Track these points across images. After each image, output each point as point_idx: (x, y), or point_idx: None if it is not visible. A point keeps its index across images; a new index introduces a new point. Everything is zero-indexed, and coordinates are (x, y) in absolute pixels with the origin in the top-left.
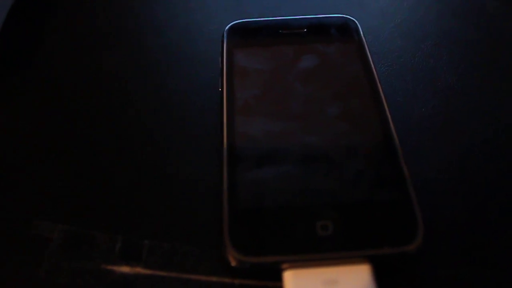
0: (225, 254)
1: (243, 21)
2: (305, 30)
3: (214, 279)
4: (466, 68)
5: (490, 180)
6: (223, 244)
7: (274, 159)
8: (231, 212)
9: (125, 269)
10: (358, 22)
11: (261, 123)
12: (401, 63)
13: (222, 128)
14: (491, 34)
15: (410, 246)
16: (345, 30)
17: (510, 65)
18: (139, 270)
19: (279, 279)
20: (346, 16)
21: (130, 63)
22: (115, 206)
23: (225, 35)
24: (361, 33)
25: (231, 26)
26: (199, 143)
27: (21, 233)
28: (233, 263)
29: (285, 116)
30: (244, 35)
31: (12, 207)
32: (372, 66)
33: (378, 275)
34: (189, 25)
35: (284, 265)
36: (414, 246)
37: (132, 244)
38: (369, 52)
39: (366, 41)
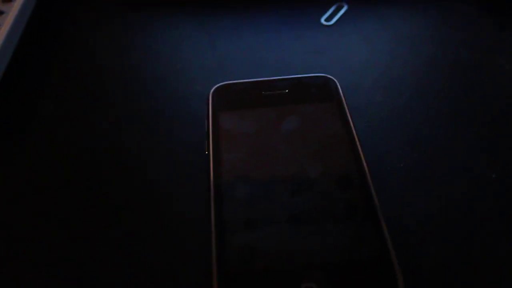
0: None
1: (227, 83)
2: (287, 90)
3: None
4: (443, 120)
5: (469, 230)
6: None
7: (260, 220)
8: (220, 274)
9: None
10: (338, 78)
11: (247, 185)
12: (380, 118)
13: (210, 191)
14: (466, 86)
15: None
16: (325, 89)
17: (485, 114)
18: None
19: None
20: (326, 75)
21: (121, 123)
22: (114, 264)
23: (210, 97)
24: (340, 91)
25: (215, 88)
26: (187, 205)
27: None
28: None
29: (270, 178)
30: (228, 97)
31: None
32: (351, 124)
33: None
34: (176, 86)
35: None
36: None
37: None
38: (348, 110)
39: (345, 99)
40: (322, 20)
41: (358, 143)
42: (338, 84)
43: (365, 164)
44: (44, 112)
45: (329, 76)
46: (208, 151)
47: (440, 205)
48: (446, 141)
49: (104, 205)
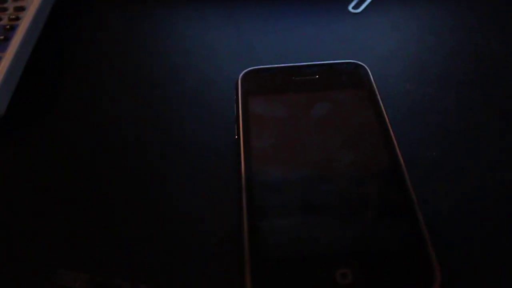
0: None
1: (256, 68)
2: (317, 76)
3: None
4: (473, 110)
5: (505, 221)
6: None
7: (293, 207)
8: (252, 262)
9: None
10: (367, 67)
11: (278, 171)
12: (410, 107)
13: (240, 176)
14: (495, 75)
15: None
16: (356, 75)
17: None
18: None
19: None
20: (356, 61)
21: (147, 111)
22: (136, 255)
23: (239, 82)
24: (372, 78)
25: (244, 73)
26: (217, 191)
27: (43, 283)
28: None
29: (302, 165)
30: (258, 81)
31: (34, 257)
32: (384, 111)
33: None
34: (203, 73)
35: None
36: None
37: None
38: (380, 97)
39: (376, 86)
40: (350, 8)
41: (391, 130)
42: (369, 70)
43: (399, 152)
44: (65, 99)
45: (360, 62)
46: (238, 135)
47: (473, 194)
48: (477, 130)
49: (130, 191)
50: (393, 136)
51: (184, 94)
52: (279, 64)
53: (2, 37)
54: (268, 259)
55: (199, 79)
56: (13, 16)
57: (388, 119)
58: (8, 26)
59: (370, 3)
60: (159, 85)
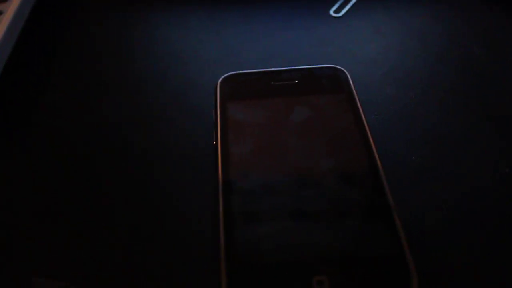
0: None
1: (235, 73)
2: (296, 81)
3: None
4: (455, 115)
5: (484, 227)
6: None
7: (270, 213)
8: (229, 268)
9: None
10: (348, 71)
11: (256, 177)
12: (391, 111)
13: (218, 183)
14: (478, 79)
15: None
16: (335, 80)
17: (498, 109)
18: None
19: None
20: (336, 66)
21: (127, 114)
22: (114, 262)
23: (218, 87)
24: (351, 83)
25: (223, 78)
26: (195, 197)
27: None
28: None
29: (280, 170)
30: (237, 86)
31: (11, 264)
32: (363, 116)
33: None
34: (182, 77)
35: None
36: None
37: None
38: (359, 102)
39: (356, 91)
40: (331, 12)
41: (369, 135)
42: (348, 75)
43: (377, 157)
44: (46, 106)
45: (339, 67)
46: (216, 141)
47: (453, 199)
48: (458, 135)
49: (107, 199)
50: (371, 141)
51: (165, 98)
52: (260, 68)
53: None
54: (244, 265)
55: (179, 83)
56: None
57: (367, 123)
58: None
59: (351, 7)
60: (140, 89)
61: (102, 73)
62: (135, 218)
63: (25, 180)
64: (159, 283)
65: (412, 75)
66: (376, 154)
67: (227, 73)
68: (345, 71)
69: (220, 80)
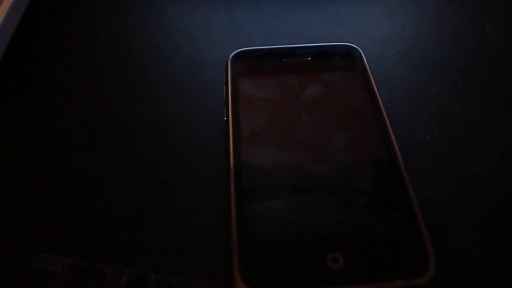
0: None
1: (247, 49)
2: (309, 58)
3: None
4: (469, 96)
5: (498, 207)
6: (232, 278)
7: (282, 190)
8: (240, 245)
9: None
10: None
11: (268, 153)
12: (404, 91)
13: (229, 158)
14: (491, 61)
15: (423, 278)
16: (349, 58)
17: (511, 89)
18: None
19: None
20: (350, 44)
21: (133, 92)
22: (120, 239)
23: (229, 63)
24: (365, 61)
25: (235, 54)
26: (205, 173)
27: (23, 266)
28: None
29: (292, 146)
30: (248, 63)
31: (14, 239)
32: (377, 94)
33: None
34: (192, 54)
35: None
36: (426, 278)
37: (139, 277)
38: (374, 80)
39: (370, 69)
40: None
41: (384, 113)
42: (362, 53)
43: (392, 135)
44: (49, 79)
45: (353, 45)
46: (227, 117)
47: (467, 179)
48: (472, 115)
49: (113, 174)
50: (387, 119)
51: (173, 74)
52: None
53: None
54: (256, 242)
55: (188, 60)
56: None
57: (382, 101)
58: None
59: None
60: (147, 65)
61: (109, 49)
62: (143, 194)
63: (28, 156)
64: (168, 261)
65: (425, 55)
66: (391, 132)
67: (234, 51)
68: (359, 49)
69: (231, 56)
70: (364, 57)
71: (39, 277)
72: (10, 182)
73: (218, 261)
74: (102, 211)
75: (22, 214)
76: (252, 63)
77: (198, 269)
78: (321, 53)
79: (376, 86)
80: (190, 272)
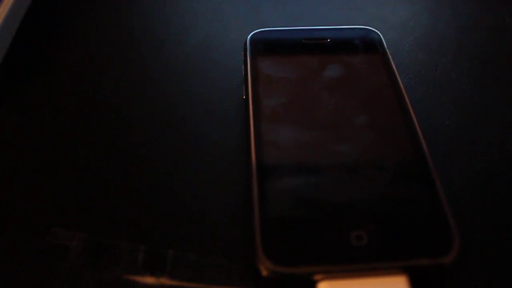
0: (257, 263)
1: (266, 30)
2: (328, 40)
3: None
4: (487, 81)
5: None
6: (254, 254)
7: (305, 167)
8: (263, 221)
9: (149, 280)
10: None
11: (289, 131)
12: (423, 75)
13: (249, 136)
14: (509, 47)
15: (447, 258)
16: (369, 41)
17: None
18: (165, 281)
19: None
20: (370, 27)
21: (150, 72)
22: (137, 214)
23: (247, 43)
24: (385, 44)
25: (254, 34)
26: (223, 151)
27: (39, 241)
28: (265, 273)
29: (313, 125)
30: (267, 43)
31: (30, 214)
32: (398, 77)
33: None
34: (208, 35)
35: (317, 276)
36: (450, 258)
37: (156, 254)
38: (394, 63)
39: (390, 52)
40: None
41: (405, 94)
42: (382, 37)
43: (413, 115)
44: (61, 64)
45: (372, 28)
46: (247, 96)
47: (486, 163)
48: (490, 100)
49: (130, 150)
50: (407, 100)
51: (189, 54)
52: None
53: None
54: (278, 220)
55: (204, 40)
56: None
57: (403, 84)
58: None
59: None
60: (163, 45)
61: (122, 29)
62: (161, 171)
63: (44, 131)
64: (186, 238)
65: (443, 42)
66: (412, 112)
67: (252, 31)
68: (379, 33)
69: (250, 35)
70: (383, 40)
71: (55, 252)
72: (26, 157)
73: (236, 238)
74: (119, 186)
75: (37, 189)
76: (271, 43)
77: (216, 246)
78: (340, 35)
79: (397, 69)
80: (208, 249)
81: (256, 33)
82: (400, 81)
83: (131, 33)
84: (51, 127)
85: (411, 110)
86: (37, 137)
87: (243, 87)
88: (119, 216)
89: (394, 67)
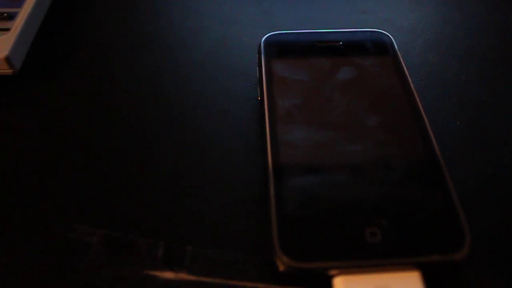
0: (274, 259)
1: (280, 33)
2: (341, 43)
3: (260, 285)
4: (497, 83)
5: None
6: (271, 249)
7: (320, 166)
8: (279, 217)
9: (168, 275)
10: None
11: (303, 131)
12: (433, 77)
13: (265, 135)
14: None
15: (459, 254)
16: (380, 44)
17: None
18: (183, 276)
19: (326, 286)
20: (381, 30)
21: (165, 74)
22: (156, 211)
23: (262, 45)
24: (396, 47)
25: (268, 37)
26: (239, 151)
27: (60, 237)
28: (282, 268)
29: (327, 125)
30: (281, 46)
31: (51, 211)
32: (409, 79)
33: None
34: (222, 37)
35: (333, 271)
36: (462, 254)
37: (175, 250)
38: (405, 65)
39: (401, 55)
40: None
41: (417, 97)
42: (393, 39)
43: (424, 115)
44: (78, 60)
45: (384, 31)
46: (262, 96)
47: (496, 163)
48: (500, 102)
49: (145, 148)
50: (419, 101)
51: (203, 57)
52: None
53: None
54: (295, 218)
55: (218, 43)
56: None
57: (414, 86)
58: None
59: None
60: (177, 48)
61: (139, 33)
62: (179, 169)
63: (64, 127)
64: (205, 234)
65: (452, 44)
66: (423, 113)
67: (265, 35)
68: (390, 36)
69: (264, 38)
70: (394, 43)
71: (76, 248)
72: (47, 154)
73: (253, 234)
74: (138, 183)
75: (58, 186)
76: (284, 46)
77: (235, 242)
78: (352, 38)
79: (408, 71)
80: (226, 244)
81: (270, 36)
82: (411, 83)
83: (146, 37)
84: (66, 128)
85: (422, 111)
86: (57, 134)
87: (258, 88)
88: (139, 213)
89: (405, 69)
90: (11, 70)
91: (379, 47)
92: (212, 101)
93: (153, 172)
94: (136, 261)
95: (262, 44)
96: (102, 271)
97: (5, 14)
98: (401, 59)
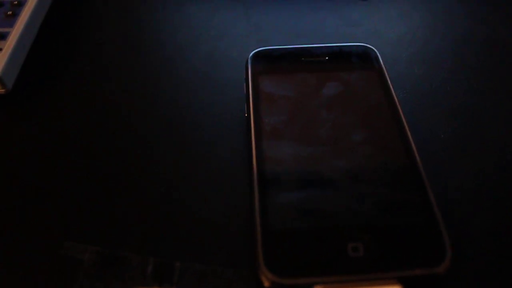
0: (259, 275)
1: (266, 48)
2: (327, 58)
3: None
4: (482, 94)
5: None
6: (256, 265)
7: (304, 182)
8: (264, 233)
9: None
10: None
11: (289, 147)
12: (419, 89)
13: (251, 151)
14: (504, 61)
15: (440, 268)
16: (365, 58)
17: None
18: None
19: None
20: (366, 44)
21: (154, 88)
22: (146, 228)
23: (249, 61)
24: (381, 61)
25: (255, 53)
26: (226, 166)
27: (52, 254)
28: (267, 284)
29: (312, 141)
30: (268, 61)
31: (43, 228)
32: (393, 92)
33: None
34: (211, 52)
35: (317, 286)
36: (443, 267)
37: (164, 265)
38: (389, 79)
39: (386, 68)
40: None
41: (400, 110)
42: (378, 53)
43: (408, 130)
44: (73, 72)
45: (369, 45)
46: (248, 113)
47: (482, 173)
48: (485, 112)
49: (139, 163)
50: (402, 115)
51: (192, 73)
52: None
53: (10, 12)
54: (279, 233)
55: (207, 58)
56: None
57: (398, 99)
58: (16, 2)
59: None
60: (167, 64)
61: (128, 48)
62: (167, 185)
63: (54, 144)
64: (193, 249)
65: (439, 56)
66: (407, 127)
67: (254, 50)
68: (375, 49)
69: (251, 55)
70: (380, 57)
71: (68, 265)
72: (37, 172)
73: (241, 249)
74: (127, 200)
75: (50, 203)
76: (271, 61)
77: (222, 257)
78: (338, 53)
79: (392, 85)
80: (214, 259)
81: (257, 51)
82: (395, 97)
83: (136, 51)
84: (60, 143)
85: (405, 124)
86: (47, 151)
87: (245, 104)
88: (129, 229)
89: (389, 82)
90: (3, 90)
91: (364, 61)
92: (202, 115)
93: (142, 189)
94: (127, 277)
95: (249, 60)
96: (94, 286)
97: None
98: (386, 73)
